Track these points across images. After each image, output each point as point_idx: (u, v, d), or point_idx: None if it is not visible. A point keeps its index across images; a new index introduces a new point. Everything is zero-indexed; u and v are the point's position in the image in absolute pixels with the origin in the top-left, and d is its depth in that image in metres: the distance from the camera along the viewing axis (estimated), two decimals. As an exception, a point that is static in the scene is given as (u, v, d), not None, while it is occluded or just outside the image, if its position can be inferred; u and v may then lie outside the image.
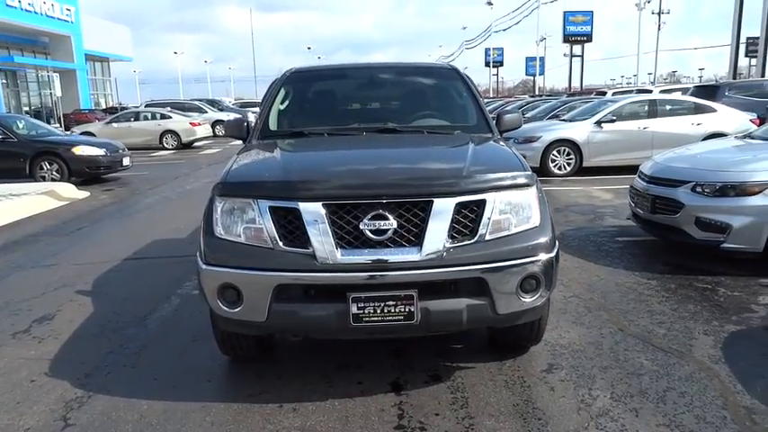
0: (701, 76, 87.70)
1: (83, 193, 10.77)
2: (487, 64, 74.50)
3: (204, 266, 2.98)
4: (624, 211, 7.27)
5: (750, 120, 11.19)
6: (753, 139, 6.20)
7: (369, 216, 2.84)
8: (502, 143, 3.82)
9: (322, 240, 2.82)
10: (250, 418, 2.95)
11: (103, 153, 12.31)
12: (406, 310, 2.83)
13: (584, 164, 11.08)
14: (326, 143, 3.88)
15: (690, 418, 2.84)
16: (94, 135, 18.35)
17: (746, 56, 46.84)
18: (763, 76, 26.56)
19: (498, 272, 2.88)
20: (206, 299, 3.04)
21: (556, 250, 3.06)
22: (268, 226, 2.90)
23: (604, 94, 20.99)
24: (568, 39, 51.51)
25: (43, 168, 11.81)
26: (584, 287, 4.79)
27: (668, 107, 11.48)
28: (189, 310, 4.51)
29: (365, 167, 3.25)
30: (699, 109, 11.34)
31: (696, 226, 5.12)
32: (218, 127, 27.07)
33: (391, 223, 2.84)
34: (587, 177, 10.73)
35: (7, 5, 30.95)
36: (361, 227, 2.83)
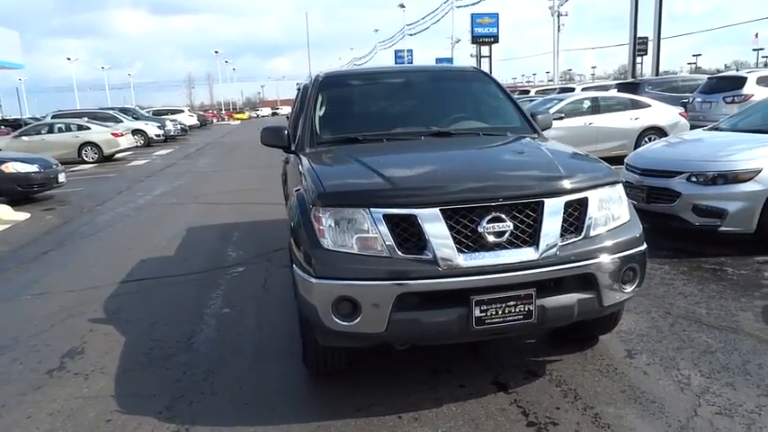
0: (593, 74, 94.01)
1: (23, 215, 9.89)
2: (397, 66, 75.61)
3: (316, 280, 2.88)
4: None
5: (679, 113, 12.16)
6: (721, 131, 6.77)
7: (486, 219, 2.87)
8: (556, 143, 3.96)
9: (443, 246, 2.82)
10: (380, 430, 2.90)
11: (36, 170, 11.39)
12: (526, 309, 2.89)
13: (537, 159, 11.57)
14: (399, 148, 3.85)
15: (749, 387, 3.10)
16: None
17: (636, 55, 50.65)
18: (656, 74, 28.91)
19: (605, 266, 3.01)
20: (312, 314, 2.94)
21: (644, 242, 3.23)
22: (384, 234, 2.86)
23: (528, 92, 21.98)
24: (476, 40, 53.28)
25: (-32, 190, 10.73)
26: (608, 276, 5.04)
27: (609, 103, 12.24)
28: (233, 330, 4.31)
29: (474, 171, 3.28)
30: (635, 104, 12.17)
31: (693, 212, 5.54)
32: (135, 136, 25.76)
33: (508, 225, 2.89)
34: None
35: None
36: (480, 230, 2.86)
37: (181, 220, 8.65)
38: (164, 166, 17.50)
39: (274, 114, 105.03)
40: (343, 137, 4.02)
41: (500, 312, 2.87)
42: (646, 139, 11.47)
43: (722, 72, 28.85)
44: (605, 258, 3.02)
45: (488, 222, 2.87)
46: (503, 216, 2.89)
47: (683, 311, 4.18)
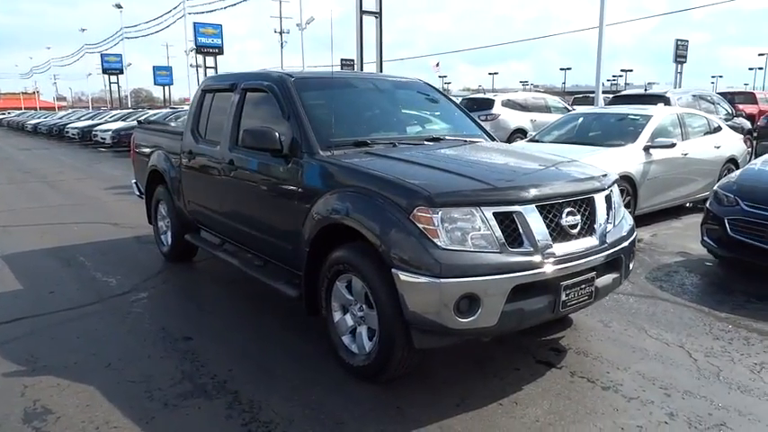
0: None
1: None
2: (105, 71, 68.70)
3: (440, 280, 2.90)
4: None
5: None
6: (538, 142, 8.25)
7: (565, 213, 3.29)
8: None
9: (542, 238, 3.16)
10: (497, 419, 3.05)
11: None
12: (589, 290, 3.40)
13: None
14: (429, 151, 3.98)
15: (702, 335, 4.18)
16: None
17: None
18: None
19: (627, 249, 3.69)
20: (425, 315, 2.96)
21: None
22: (495, 231, 3.05)
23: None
24: (201, 50, 51.77)
25: None
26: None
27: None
28: (233, 356, 3.81)
29: (546, 173, 3.61)
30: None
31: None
32: None
33: (578, 218, 3.35)
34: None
35: None
36: (563, 223, 3.27)
37: (-28, 247, 6.84)
38: None
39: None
40: (353, 140, 3.95)
41: (576, 295, 3.31)
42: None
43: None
44: (626, 243, 3.69)
45: (566, 216, 3.29)
46: (575, 210, 3.34)
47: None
